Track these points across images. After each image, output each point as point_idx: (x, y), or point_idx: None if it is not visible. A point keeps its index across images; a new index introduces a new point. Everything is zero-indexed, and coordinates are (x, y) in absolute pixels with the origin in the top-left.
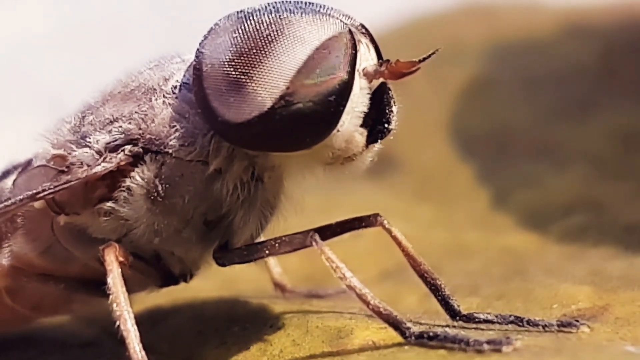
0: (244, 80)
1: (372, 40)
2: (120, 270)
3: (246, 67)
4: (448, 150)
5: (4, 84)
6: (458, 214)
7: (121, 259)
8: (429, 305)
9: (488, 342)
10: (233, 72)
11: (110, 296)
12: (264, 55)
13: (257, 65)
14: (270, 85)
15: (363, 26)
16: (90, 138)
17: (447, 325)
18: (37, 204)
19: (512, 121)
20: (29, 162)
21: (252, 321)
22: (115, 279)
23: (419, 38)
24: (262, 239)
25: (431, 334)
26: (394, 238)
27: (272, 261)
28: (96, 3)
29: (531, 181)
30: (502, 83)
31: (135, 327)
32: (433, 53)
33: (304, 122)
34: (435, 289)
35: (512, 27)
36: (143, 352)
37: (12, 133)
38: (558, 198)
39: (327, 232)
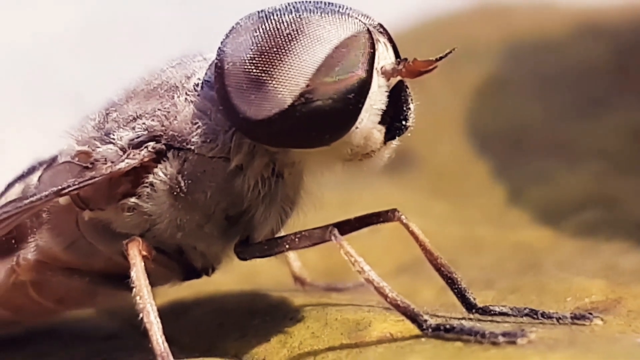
0: (264, 78)
1: (390, 39)
2: (143, 264)
3: (267, 66)
4: (463, 148)
5: (29, 81)
6: (473, 209)
7: (144, 253)
8: (445, 298)
9: (503, 335)
10: (254, 70)
11: (134, 289)
12: (284, 53)
13: (277, 64)
14: (290, 83)
15: (381, 25)
16: (114, 135)
17: (463, 318)
18: (62, 200)
19: (526, 119)
20: (53, 159)
21: (272, 314)
22: (138, 273)
23: (433, 38)
24: (282, 233)
25: (448, 326)
26: (412, 233)
27: (291, 255)
28: (120, 2)
29: (545, 177)
30: (516, 82)
31: (158, 319)
32: (450, 52)
33: (323, 119)
34: (451, 282)
35: (525, 27)
36: (166, 344)
37: (36, 130)
38: (571, 194)
39: (346, 227)
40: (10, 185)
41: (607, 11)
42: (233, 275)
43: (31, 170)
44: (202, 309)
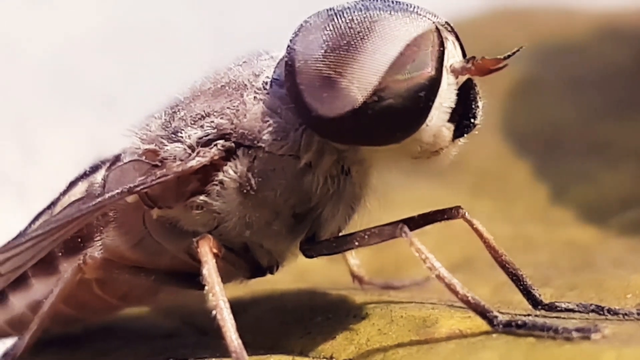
0: (336, 76)
1: (457, 38)
2: (215, 261)
3: (339, 64)
4: (502, 148)
5: (60, 84)
6: (517, 208)
7: (215, 250)
8: (501, 296)
9: (577, 330)
10: (326, 68)
11: (206, 287)
12: (356, 51)
13: (349, 62)
14: (362, 81)
15: (448, 24)
16: (182, 133)
17: (529, 315)
18: (130, 198)
19: (560, 119)
20: (117, 157)
21: (334, 311)
22: (210, 270)
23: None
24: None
25: (519, 322)
26: (476, 230)
27: (349, 253)
28: (143, 6)
29: (586, 177)
30: (546, 83)
31: (232, 316)
32: (517, 50)
33: (394, 117)
34: (517, 279)
35: (548, 30)
36: (239, 341)
37: (68, 132)
38: (613, 193)
39: (410, 224)
40: (72, 184)
41: (627, 14)
42: (286, 274)
43: (94, 169)
44: (261, 307)
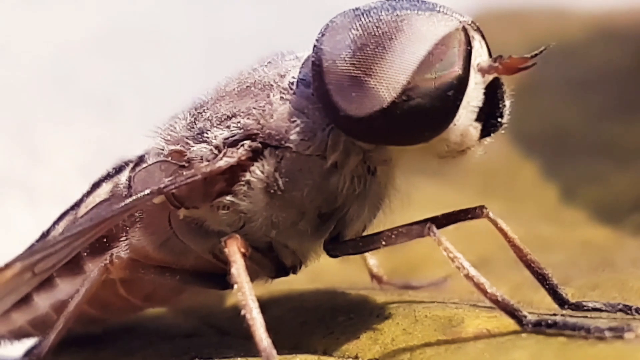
0: (365, 75)
1: (483, 37)
2: (243, 260)
3: (367, 63)
4: (509, 149)
5: (58, 88)
6: (528, 209)
7: (242, 250)
8: (520, 296)
9: (610, 329)
10: (354, 68)
11: (235, 286)
12: (384, 51)
13: (378, 61)
14: (391, 80)
15: (474, 23)
16: (208, 134)
17: (554, 314)
18: (156, 198)
19: (564, 120)
20: (141, 158)
21: (356, 311)
22: (239, 269)
23: None
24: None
25: (549, 321)
26: (500, 229)
27: (368, 253)
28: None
29: (595, 177)
30: (546, 84)
31: (261, 315)
32: (545, 49)
33: (423, 116)
34: (542, 278)
35: (544, 32)
36: (269, 340)
37: (68, 134)
38: (625, 193)
39: (435, 223)
40: (96, 185)
41: (619, 15)
42: (301, 275)
43: (118, 170)
44: (280, 307)
